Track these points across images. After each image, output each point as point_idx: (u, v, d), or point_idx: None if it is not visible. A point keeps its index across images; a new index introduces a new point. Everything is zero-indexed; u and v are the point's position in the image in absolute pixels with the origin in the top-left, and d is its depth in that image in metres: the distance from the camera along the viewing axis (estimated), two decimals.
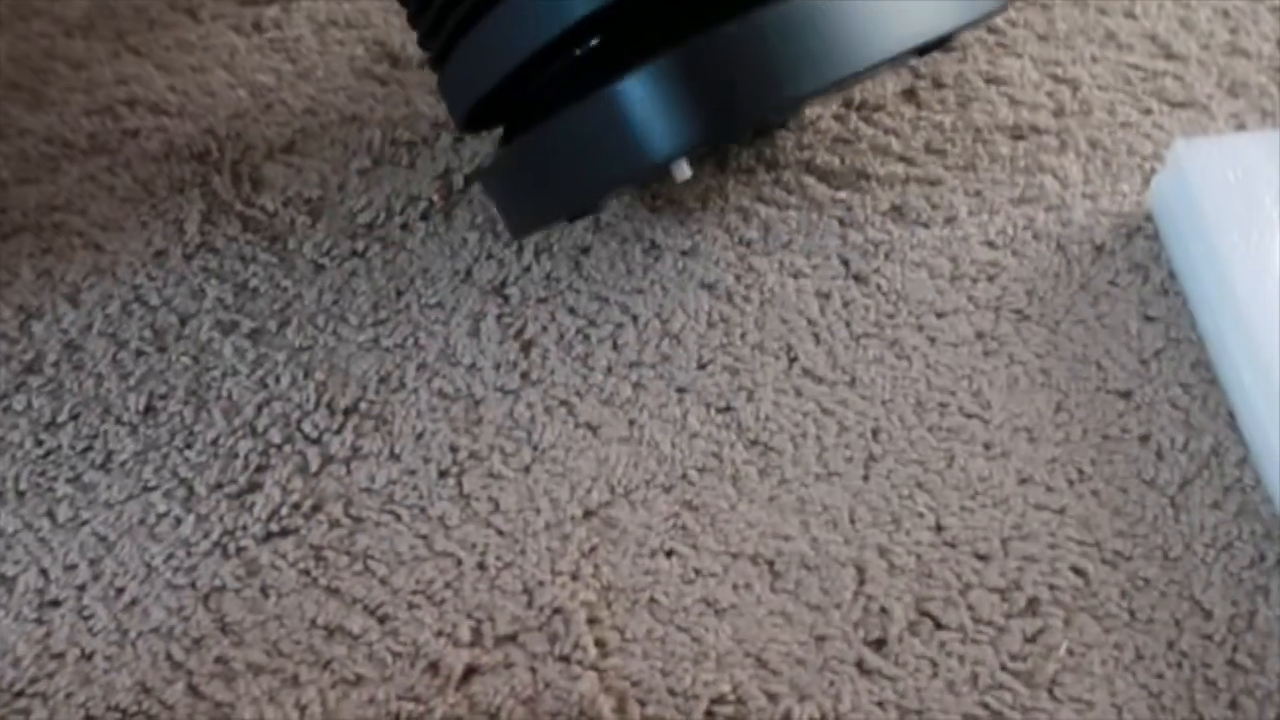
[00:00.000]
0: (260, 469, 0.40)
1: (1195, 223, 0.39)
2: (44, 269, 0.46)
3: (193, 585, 0.38)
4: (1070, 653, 0.33)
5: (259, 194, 0.48)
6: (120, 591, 0.38)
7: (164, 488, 0.40)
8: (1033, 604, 0.34)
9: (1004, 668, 0.33)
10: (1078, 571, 0.35)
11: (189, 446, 0.41)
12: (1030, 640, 0.34)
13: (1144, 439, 0.37)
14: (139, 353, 0.44)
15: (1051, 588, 0.35)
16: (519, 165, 0.39)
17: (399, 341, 0.43)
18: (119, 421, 0.42)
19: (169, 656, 0.36)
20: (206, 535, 0.39)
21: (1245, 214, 0.38)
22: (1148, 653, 0.33)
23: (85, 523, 0.39)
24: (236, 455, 0.41)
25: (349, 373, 0.42)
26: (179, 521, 0.39)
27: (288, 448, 0.41)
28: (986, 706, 0.33)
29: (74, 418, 0.42)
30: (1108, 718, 0.32)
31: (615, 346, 0.42)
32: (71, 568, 0.38)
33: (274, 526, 0.39)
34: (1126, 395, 0.38)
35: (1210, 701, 0.32)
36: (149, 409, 0.42)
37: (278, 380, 0.42)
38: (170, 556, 0.38)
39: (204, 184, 0.49)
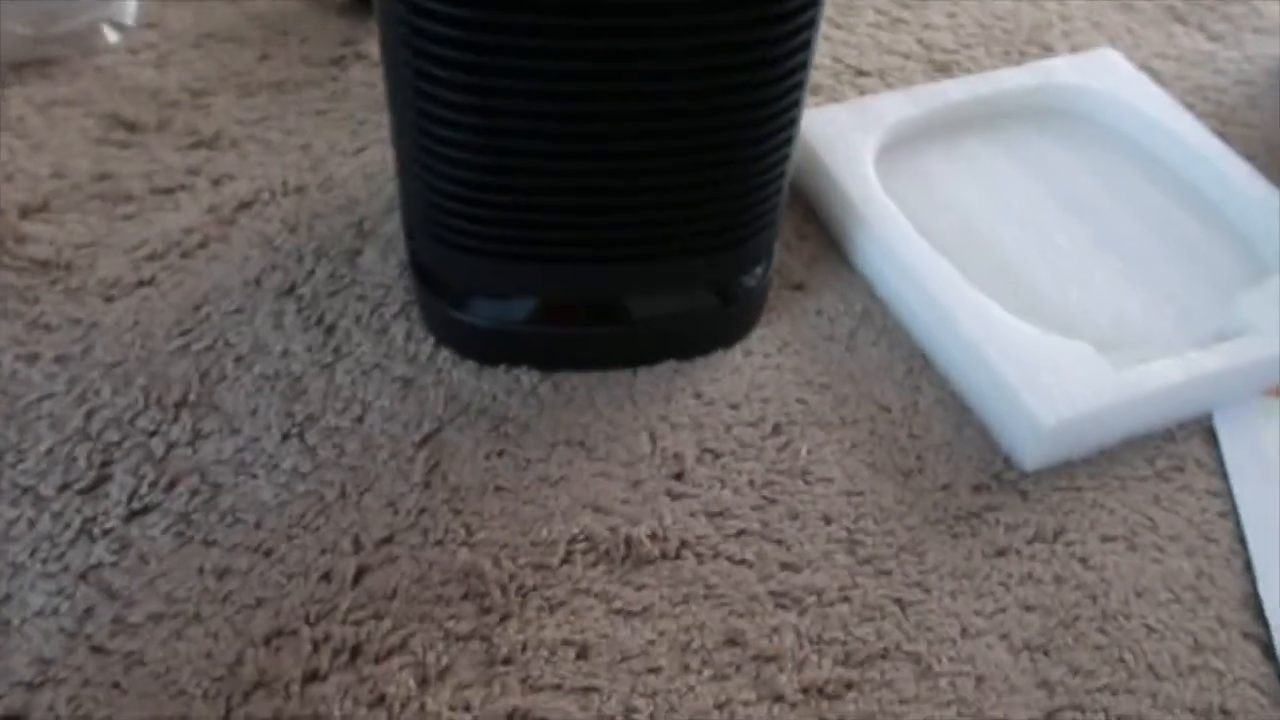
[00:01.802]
0: (105, 464, 0.43)
1: (816, 163, 0.54)
2: None
3: (66, 569, 0.40)
4: (809, 452, 0.46)
5: (24, 246, 0.51)
6: None
7: (8, 498, 0.42)
8: (776, 428, 0.46)
9: (769, 470, 0.45)
10: (800, 401, 0.47)
11: (21, 461, 0.43)
12: (781, 450, 0.46)
13: (818, 312, 0.51)
14: None
15: (787, 415, 0.47)
16: None
17: (209, 344, 0.48)
18: None
19: (61, 629, 0.38)
20: (67, 526, 0.41)
21: (847, 150, 0.54)
22: (858, 441, 0.46)
23: None
24: (75, 459, 0.43)
25: (169, 375, 0.46)
26: (33, 522, 0.41)
27: (127, 443, 0.44)
28: (765, 497, 0.44)
29: None
30: (844, 484, 0.45)
31: (408, 318, 0.49)
32: None
33: (135, 505, 0.42)
34: (800, 287, 0.52)
35: (904, 458, 0.46)
36: None
37: (98, 393, 0.45)
38: (34, 551, 0.40)
39: None
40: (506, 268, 0.44)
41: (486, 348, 0.47)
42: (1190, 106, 0.64)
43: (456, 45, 0.37)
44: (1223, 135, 0.62)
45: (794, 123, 0.43)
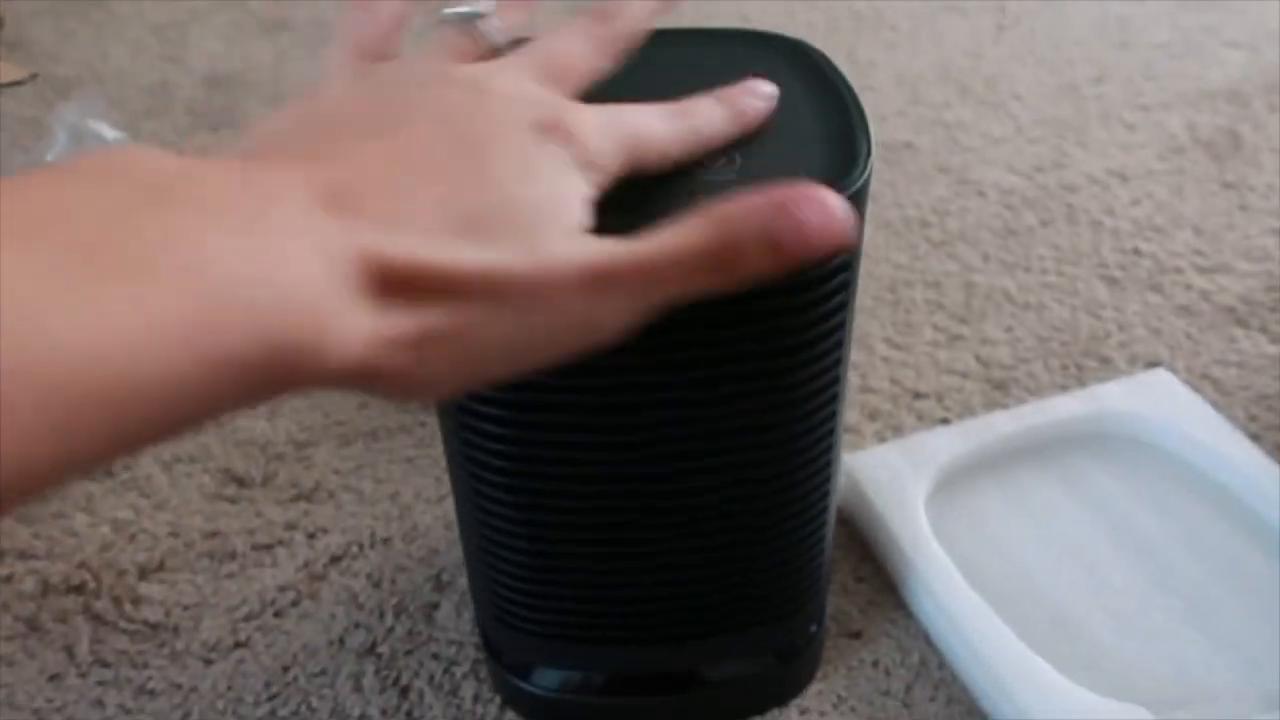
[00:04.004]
0: None
1: (869, 508, 0.56)
2: None
3: None
4: None
5: (139, 609, 0.56)
6: None
7: None
8: None
9: None
10: None
11: None
12: None
13: (874, 664, 0.52)
14: None
15: None
16: None
17: (294, 710, 0.51)
18: None
19: None
20: None
21: (899, 495, 0.56)
22: None
23: None
24: None
25: None
26: None
27: None
28: None
29: None
30: None
31: (478, 678, 0.52)
32: None
33: None
34: (857, 635, 0.53)
35: None
36: None
37: None
38: None
39: (86, 610, 0.56)
40: (565, 647, 0.47)
41: (549, 713, 0.50)
42: (1254, 418, 0.65)
43: (505, 447, 0.41)
44: None
45: (825, 498, 0.45)
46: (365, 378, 0.25)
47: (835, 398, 0.42)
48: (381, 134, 0.28)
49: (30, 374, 0.18)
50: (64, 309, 0.19)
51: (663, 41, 0.46)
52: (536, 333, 0.27)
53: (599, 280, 0.27)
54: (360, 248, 0.24)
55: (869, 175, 0.37)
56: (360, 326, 0.24)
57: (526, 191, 0.28)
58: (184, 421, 0.22)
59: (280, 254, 0.23)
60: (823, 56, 0.44)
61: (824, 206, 0.29)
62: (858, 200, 0.37)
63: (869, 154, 0.38)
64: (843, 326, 0.40)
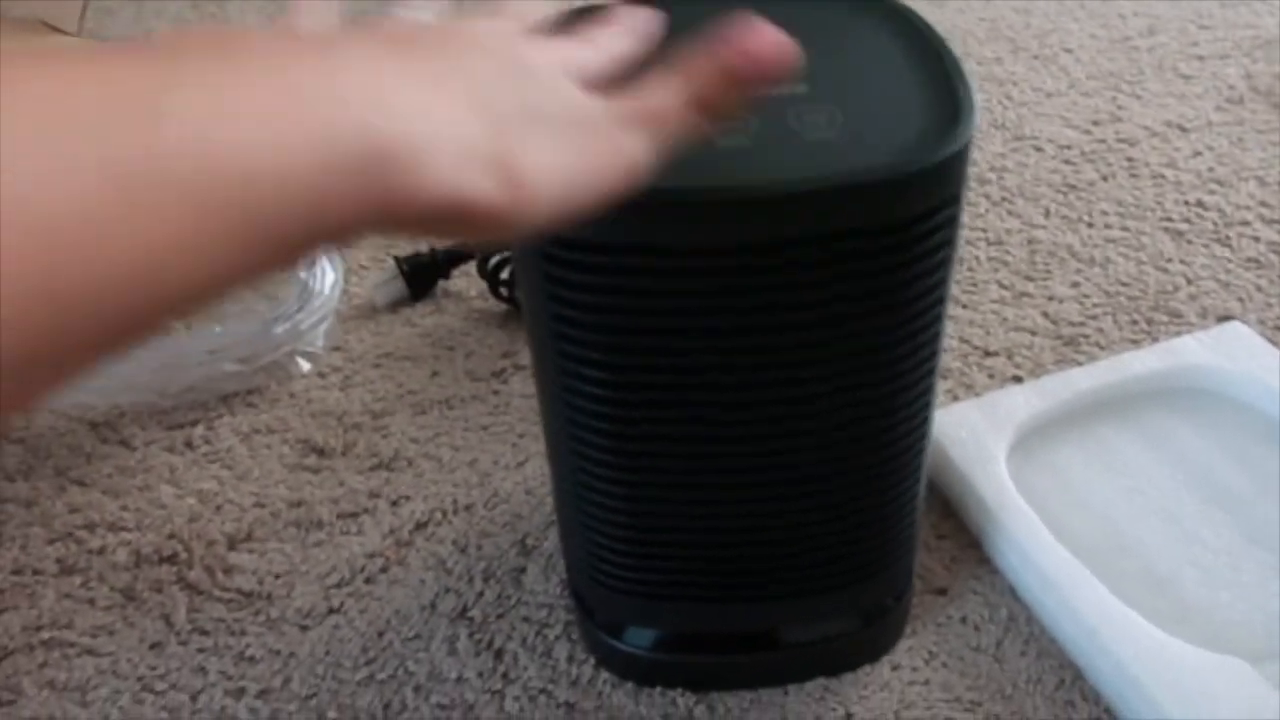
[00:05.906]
0: None
1: (950, 465, 0.57)
2: (46, 680, 0.52)
3: None
4: None
5: (232, 578, 0.57)
6: None
7: None
8: None
9: None
10: None
11: None
12: None
13: (963, 620, 0.52)
14: None
15: None
16: None
17: (391, 673, 0.52)
18: None
19: None
20: None
21: (980, 452, 0.56)
22: None
23: None
24: None
25: (355, 706, 0.51)
26: None
27: None
28: None
29: None
30: None
31: (570, 639, 0.53)
32: None
33: None
34: (943, 592, 0.54)
35: None
36: None
37: None
38: None
39: (180, 580, 0.57)
40: (660, 606, 0.48)
41: (643, 672, 0.50)
42: None
43: (607, 409, 0.41)
44: None
45: (920, 454, 0.46)
46: (457, 206, 0.26)
47: (936, 341, 0.42)
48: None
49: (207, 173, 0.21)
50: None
51: (752, 5, 0.46)
52: (586, 157, 0.29)
53: (620, 119, 0.30)
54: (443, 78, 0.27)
55: (974, 126, 0.37)
56: (449, 143, 0.25)
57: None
58: (304, 231, 0.23)
59: (360, 77, 0.25)
60: (914, 13, 0.44)
61: (762, 34, 0.31)
62: (964, 152, 0.37)
63: (972, 106, 0.38)
64: (946, 266, 0.40)
